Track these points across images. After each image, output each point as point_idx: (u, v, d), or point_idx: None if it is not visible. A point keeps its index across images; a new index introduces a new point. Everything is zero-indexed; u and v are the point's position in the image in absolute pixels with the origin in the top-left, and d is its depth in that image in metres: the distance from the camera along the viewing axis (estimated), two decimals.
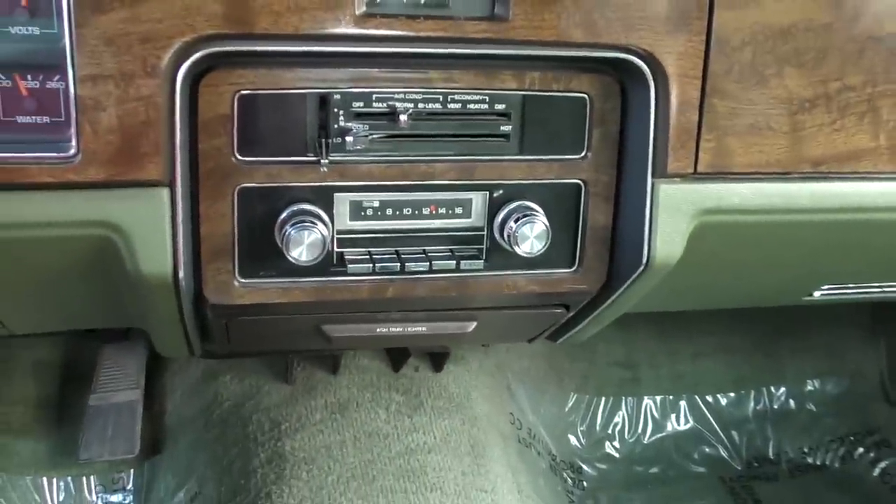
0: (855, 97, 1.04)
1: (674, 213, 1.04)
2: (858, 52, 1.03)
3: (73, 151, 0.87)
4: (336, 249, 1.03)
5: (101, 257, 0.95)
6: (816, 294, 1.42)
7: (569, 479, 1.82)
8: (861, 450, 1.98)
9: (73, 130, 0.87)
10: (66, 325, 1.33)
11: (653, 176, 1.03)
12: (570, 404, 1.92)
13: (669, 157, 1.01)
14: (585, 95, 1.02)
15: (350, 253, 1.03)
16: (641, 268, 1.06)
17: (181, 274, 0.95)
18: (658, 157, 1.02)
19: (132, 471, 1.58)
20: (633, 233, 1.06)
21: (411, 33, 0.93)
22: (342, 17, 0.90)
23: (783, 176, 1.06)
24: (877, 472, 1.93)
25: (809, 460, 1.99)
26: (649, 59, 0.98)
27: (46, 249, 0.95)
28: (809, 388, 2.06)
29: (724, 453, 1.97)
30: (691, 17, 0.97)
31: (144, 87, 0.87)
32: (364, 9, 0.91)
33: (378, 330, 1.15)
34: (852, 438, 2.00)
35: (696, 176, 1.03)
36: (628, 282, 1.10)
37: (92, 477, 1.58)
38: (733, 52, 0.99)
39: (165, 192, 0.92)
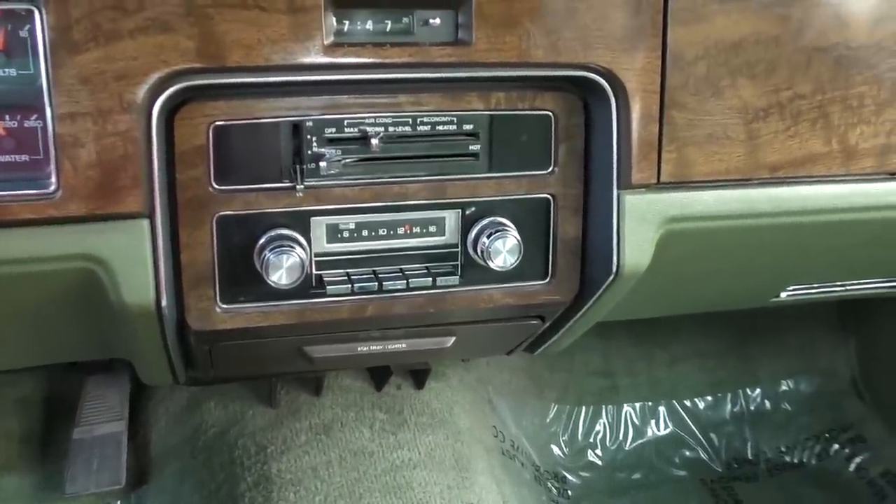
0: (806, 105, 1.09)
1: (640, 223, 1.08)
2: (806, 63, 1.07)
3: (53, 188, 0.89)
4: (315, 272, 1.05)
5: (83, 290, 0.96)
6: (783, 295, 1.46)
7: (553, 489, 1.85)
8: (836, 446, 2.02)
9: (52, 167, 0.89)
10: (49, 358, 1.34)
11: (618, 187, 1.06)
12: (551, 415, 1.95)
13: (633, 169, 1.05)
14: (550, 113, 1.06)
15: (328, 275, 1.06)
16: (612, 276, 1.09)
17: (164, 303, 0.97)
18: (622, 170, 1.05)
19: (119, 502, 1.58)
20: (602, 243, 1.10)
21: (378, 60, 0.96)
22: (311, 47, 0.93)
23: (743, 182, 1.10)
24: (852, 467, 1.97)
25: (787, 459, 2.02)
26: (609, 75, 1.02)
27: (29, 284, 0.97)
28: (784, 387, 2.10)
29: (703, 456, 2.01)
30: (646, 35, 1.01)
31: (121, 122, 0.89)
32: (332, 38, 0.94)
33: (359, 349, 1.17)
34: (827, 435, 2.04)
35: (660, 186, 1.07)
36: (600, 291, 1.13)
37: None
38: (688, 66, 1.04)
39: (146, 223, 0.94)
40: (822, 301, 1.67)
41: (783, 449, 2.04)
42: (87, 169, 0.89)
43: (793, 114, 1.08)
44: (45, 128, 0.88)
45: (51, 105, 0.87)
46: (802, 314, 2.08)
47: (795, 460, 2.02)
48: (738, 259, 1.27)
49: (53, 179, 0.89)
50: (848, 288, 1.47)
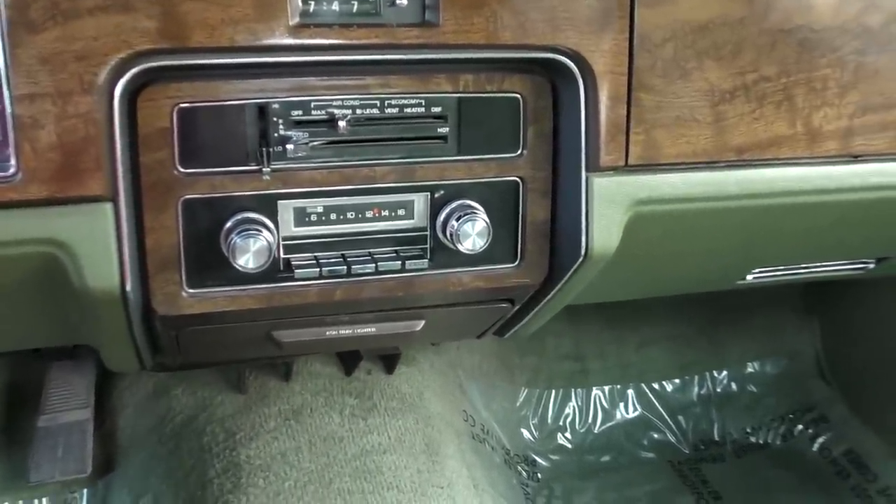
0: (771, 87, 1.10)
1: (609, 205, 1.08)
2: (771, 45, 1.08)
3: (12, 170, 0.88)
4: (282, 256, 1.04)
5: (47, 275, 0.95)
6: (749, 278, 1.48)
7: (523, 472, 1.86)
8: (800, 427, 2.05)
9: (11, 150, 0.87)
10: (13, 345, 1.32)
11: (587, 170, 1.06)
12: (521, 398, 1.96)
13: (601, 151, 1.05)
14: (518, 95, 1.06)
15: (296, 258, 1.05)
16: (581, 259, 1.10)
17: (129, 287, 0.96)
18: (591, 152, 1.06)
19: (85, 490, 1.56)
20: (571, 226, 1.10)
21: (345, 42, 0.95)
22: (276, 28, 0.92)
23: (710, 165, 1.11)
24: (816, 447, 2.01)
25: (753, 440, 2.05)
26: (576, 57, 1.02)
27: None
28: (750, 370, 2.13)
29: (671, 438, 2.03)
30: (614, 17, 1.01)
31: (82, 104, 0.87)
32: (298, 19, 0.93)
33: (328, 333, 1.17)
34: (792, 416, 2.07)
35: (628, 168, 1.08)
36: (569, 273, 1.13)
37: (44, 499, 1.56)
38: (656, 48, 1.04)
39: (109, 206, 0.92)
40: (787, 284, 1.69)
41: (749, 430, 2.07)
42: (47, 151, 0.88)
43: (758, 96, 1.09)
44: (3, 109, 0.86)
45: (9, 86, 0.85)
46: (769, 297, 2.11)
47: (761, 441, 2.05)
48: (705, 241, 1.29)
49: (13, 162, 0.87)
50: (812, 270, 1.49)
